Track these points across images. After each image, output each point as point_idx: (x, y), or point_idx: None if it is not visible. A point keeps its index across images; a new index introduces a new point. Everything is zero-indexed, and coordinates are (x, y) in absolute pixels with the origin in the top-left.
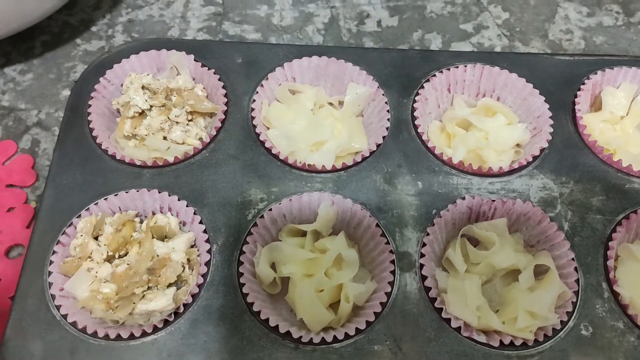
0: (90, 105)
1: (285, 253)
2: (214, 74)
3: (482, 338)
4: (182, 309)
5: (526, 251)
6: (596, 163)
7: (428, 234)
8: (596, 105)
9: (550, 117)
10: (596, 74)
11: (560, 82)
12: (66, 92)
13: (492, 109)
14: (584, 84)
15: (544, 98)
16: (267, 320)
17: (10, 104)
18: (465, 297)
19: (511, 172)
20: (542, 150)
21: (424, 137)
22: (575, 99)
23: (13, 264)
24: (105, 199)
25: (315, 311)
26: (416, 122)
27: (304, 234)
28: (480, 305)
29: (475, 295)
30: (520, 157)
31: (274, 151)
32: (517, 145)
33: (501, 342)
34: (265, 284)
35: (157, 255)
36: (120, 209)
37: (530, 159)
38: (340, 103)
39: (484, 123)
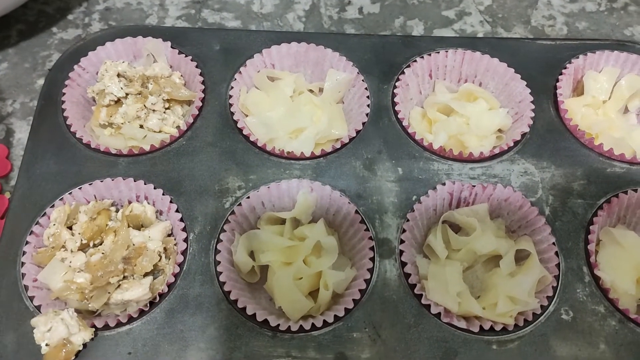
0: (64, 94)
1: (264, 241)
2: (191, 61)
3: (462, 324)
4: (158, 298)
5: (507, 236)
6: (577, 147)
7: (408, 220)
8: (578, 89)
9: (532, 102)
10: (578, 58)
11: (542, 66)
12: (41, 81)
13: (474, 94)
14: (565, 68)
15: (525, 83)
16: (244, 308)
17: None
18: (446, 283)
19: (492, 157)
20: (523, 135)
21: (405, 123)
22: (557, 84)
23: None
24: (80, 188)
25: (294, 299)
26: (396, 108)
27: (282, 221)
28: (461, 291)
29: (456, 281)
30: (501, 142)
31: (252, 138)
32: (499, 130)
33: (481, 327)
34: (243, 273)
35: (133, 244)
36: (95, 198)
37: (512, 144)
38: (320, 90)
39: (466, 108)
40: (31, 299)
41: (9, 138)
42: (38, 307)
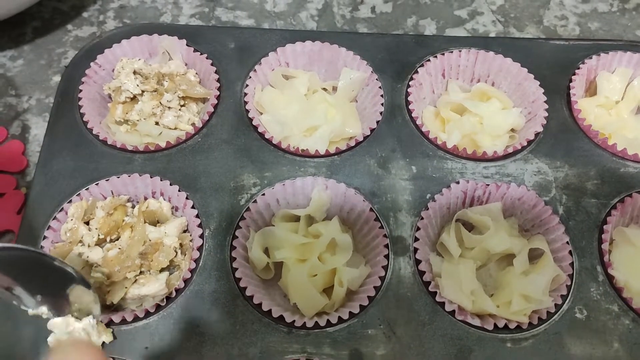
0: (81, 91)
1: (279, 238)
2: (207, 59)
3: (477, 322)
4: (174, 294)
5: (521, 235)
6: (591, 147)
7: (422, 218)
8: (591, 90)
9: (545, 102)
10: (591, 58)
11: (555, 66)
12: (57, 78)
13: (487, 93)
14: (579, 68)
15: (538, 83)
16: (260, 304)
17: (1, 90)
18: (459, 281)
19: (506, 156)
20: (536, 134)
21: (418, 122)
22: (570, 84)
23: None
24: (97, 184)
25: (309, 296)
26: (410, 107)
27: (297, 219)
28: (474, 289)
29: (469, 279)
30: (514, 142)
31: (267, 136)
32: (512, 130)
33: (495, 325)
34: (258, 269)
35: (150, 240)
36: (112, 194)
37: (525, 144)
38: (334, 88)
39: (479, 108)
40: None
41: (25, 134)
42: None
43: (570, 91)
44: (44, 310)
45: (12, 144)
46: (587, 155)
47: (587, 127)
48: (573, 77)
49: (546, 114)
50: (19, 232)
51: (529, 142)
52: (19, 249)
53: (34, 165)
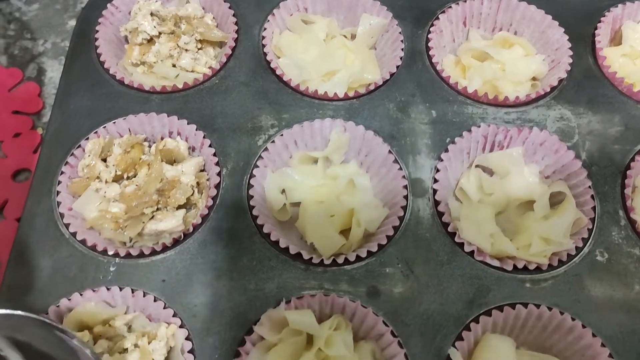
0: (97, 31)
1: (296, 179)
2: (224, 2)
3: (496, 263)
4: (191, 230)
5: (541, 182)
6: (615, 94)
7: (442, 160)
8: (616, 40)
9: (570, 49)
10: (617, 7)
11: (580, 14)
12: (72, 23)
13: (509, 40)
14: (604, 16)
15: (563, 30)
16: (277, 242)
17: (16, 33)
18: (478, 225)
19: (528, 102)
20: (560, 81)
21: (439, 68)
22: (595, 31)
23: (21, 187)
24: (114, 123)
25: (327, 235)
26: (430, 53)
27: (315, 162)
28: (494, 233)
29: (489, 223)
30: (536, 90)
31: (284, 79)
32: (534, 79)
33: (515, 266)
34: (275, 210)
35: (166, 178)
36: (129, 132)
37: (548, 90)
38: (353, 36)
39: (501, 54)
40: (67, 226)
41: (41, 77)
42: (74, 234)
43: (595, 39)
44: None
45: (28, 85)
46: (611, 102)
47: (612, 75)
48: (598, 25)
49: (570, 61)
50: (36, 167)
51: (552, 89)
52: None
53: (50, 107)
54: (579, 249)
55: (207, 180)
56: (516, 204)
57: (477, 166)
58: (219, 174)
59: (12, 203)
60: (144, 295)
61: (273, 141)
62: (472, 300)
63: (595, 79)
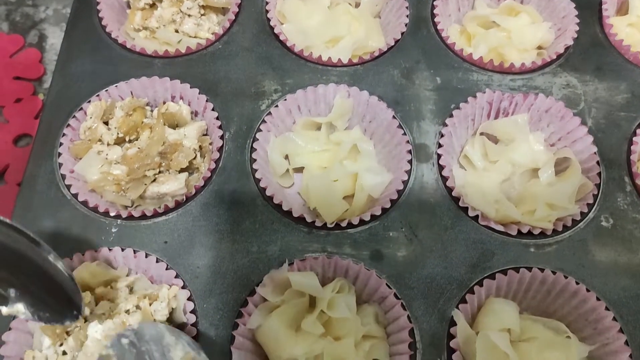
0: None
1: (299, 144)
2: None
3: (500, 228)
4: (193, 192)
5: (547, 149)
6: (622, 62)
7: (446, 125)
8: (622, 10)
9: (576, 17)
10: None
11: None
12: None
13: (516, 9)
14: None
15: None
16: (280, 205)
17: None
18: (483, 192)
19: (534, 69)
20: (566, 48)
21: (444, 35)
22: (602, 0)
23: (22, 152)
24: (116, 86)
25: (330, 199)
26: (435, 20)
27: (318, 128)
28: (498, 199)
29: (493, 190)
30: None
31: (288, 44)
32: (540, 47)
33: (519, 231)
34: (278, 175)
35: (169, 141)
36: (131, 95)
37: (554, 57)
38: (357, 5)
39: (507, 22)
40: (68, 187)
41: (42, 43)
42: (75, 196)
43: (602, 6)
44: (20, 308)
45: (29, 51)
46: (618, 70)
47: (619, 42)
48: None
49: (577, 29)
50: (38, 129)
51: (559, 56)
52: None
53: (51, 73)
54: (583, 215)
55: (210, 144)
56: (521, 171)
57: (481, 134)
58: (221, 137)
59: (13, 168)
60: (146, 257)
61: (277, 106)
62: (476, 264)
63: (602, 47)
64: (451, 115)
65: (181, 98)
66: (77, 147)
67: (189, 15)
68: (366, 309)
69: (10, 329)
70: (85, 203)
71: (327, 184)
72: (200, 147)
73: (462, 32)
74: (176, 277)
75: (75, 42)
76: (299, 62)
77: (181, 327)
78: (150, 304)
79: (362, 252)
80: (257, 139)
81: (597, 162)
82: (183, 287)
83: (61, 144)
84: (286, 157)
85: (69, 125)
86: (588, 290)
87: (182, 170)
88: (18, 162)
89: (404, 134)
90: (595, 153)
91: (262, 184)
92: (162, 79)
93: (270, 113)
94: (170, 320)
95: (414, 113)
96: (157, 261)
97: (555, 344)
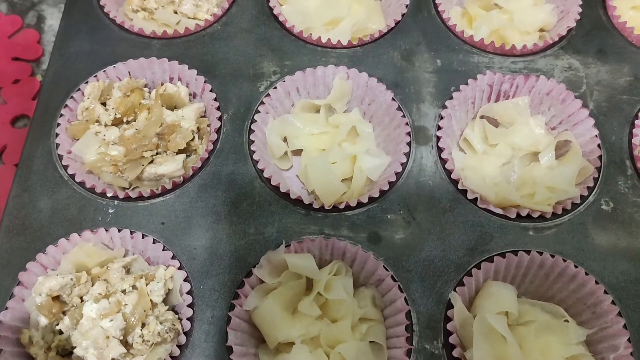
0: None
1: (298, 126)
2: None
3: (499, 212)
4: (191, 173)
5: (547, 133)
6: (625, 45)
7: (446, 107)
8: None
9: None
10: None
11: None
12: None
13: None
14: None
15: None
16: (277, 186)
17: None
18: (482, 175)
19: (535, 52)
20: (569, 30)
21: (445, 17)
22: None
23: (19, 133)
24: (114, 67)
25: (328, 181)
26: (437, 1)
27: (317, 110)
28: (498, 182)
29: (493, 173)
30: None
31: (287, 26)
32: (542, 29)
33: (518, 214)
34: (276, 156)
35: (166, 122)
36: (129, 76)
37: (557, 39)
38: None
39: (509, 3)
40: (65, 167)
41: (40, 24)
42: (72, 176)
43: None
44: None
45: (28, 32)
46: (621, 52)
47: (622, 25)
48: None
49: (580, 10)
50: (36, 109)
51: (561, 38)
52: None
53: (49, 54)
54: (583, 198)
55: (208, 126)
56: (521, 154)
57: (482, 117)
58: (219, 118)
59: (11, 148)
60: (143, 237)
61: (275, 87)
62: (474, 247)
63: (605, 29)
64: (451, 98)
65: (179, 79)
66: (74, 127)
67: None
68: (363, 292)
69: (6, 308)
70: (82, 184)
71: (326, 167)
72: (198, 128)
73: (464, 14)
74: (173, 258)
75: (74, 22)
76: (298, 43)
77: (177, 307)
78: (146, 284)
79: (359, 234)
80: (256, 121)
81: (598, 145)
82: (180, 268)
83: (58, 125)
84: (285, 139)
85: (66, 105)
86: (587, 274)
87: (179, 152)
88: (16, 143)
89: (403, 116)
90: (596, 136)
91: (260, 166)
92: (160, 60)
93: (268, 95)
94: (167, 301)
95: (414, 95)
96: (154, 242)
97: (553, 327)
